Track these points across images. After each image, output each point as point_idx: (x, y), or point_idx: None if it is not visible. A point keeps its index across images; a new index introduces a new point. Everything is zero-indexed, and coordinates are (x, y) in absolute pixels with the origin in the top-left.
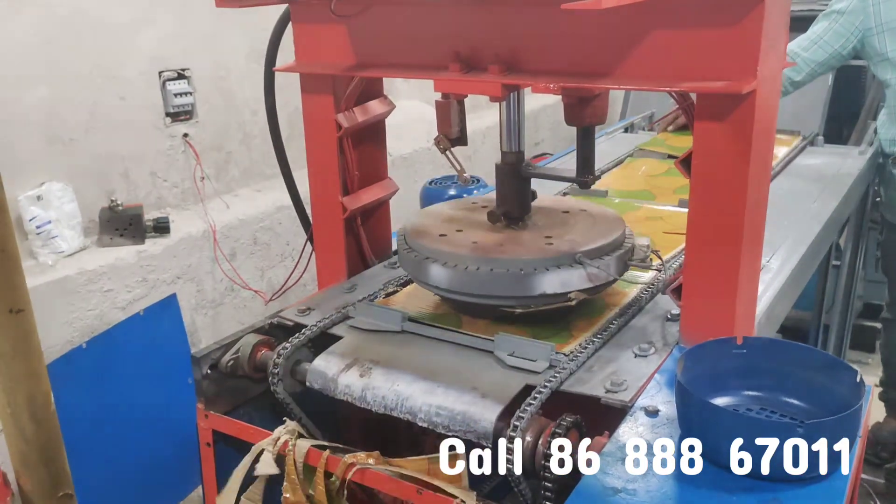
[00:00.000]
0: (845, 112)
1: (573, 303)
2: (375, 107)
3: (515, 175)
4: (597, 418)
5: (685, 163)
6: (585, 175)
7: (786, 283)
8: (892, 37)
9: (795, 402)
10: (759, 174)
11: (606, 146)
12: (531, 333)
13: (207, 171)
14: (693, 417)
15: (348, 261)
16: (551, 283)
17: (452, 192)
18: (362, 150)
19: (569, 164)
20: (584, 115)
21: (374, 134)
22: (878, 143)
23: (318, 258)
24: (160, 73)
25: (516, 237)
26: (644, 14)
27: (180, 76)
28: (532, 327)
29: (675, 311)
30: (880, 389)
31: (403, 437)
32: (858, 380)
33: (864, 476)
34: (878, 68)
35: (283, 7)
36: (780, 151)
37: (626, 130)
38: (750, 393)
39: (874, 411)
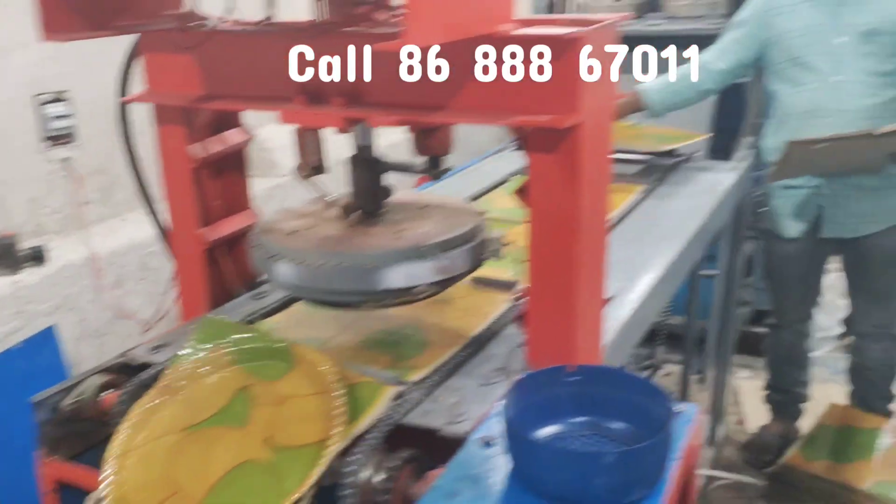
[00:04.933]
0: (736, 127)
1: (421, 297)
2: (233, 136)
3: (367, 169)
4: (443, 450)
5: (523, 192)
6: (434, 166)
7: (641, 304)
8: (781, 49)
9: (622, 425)
10: (594, 202)
11: (493, 166)
12: (391, 359)
13: (92, 196)
14: (514, 449)
15: (211, 293)
16: (397, 277)
17: None
18: (222, 181)
19: (468, 178)
20: (428, 146)
21: (234, 164)
22: (757, 154)
23: (181, 292)
24: (36, 96)
25: (367, 231)
26: (476, 48)
27: (58, 99)
28: (392, 352)
29: None
30: (766, 393)
31: None
32: (670, 406)
33: (750, 479)
34: (769, 79)
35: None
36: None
37: (519, 148)
38: (580, 419)
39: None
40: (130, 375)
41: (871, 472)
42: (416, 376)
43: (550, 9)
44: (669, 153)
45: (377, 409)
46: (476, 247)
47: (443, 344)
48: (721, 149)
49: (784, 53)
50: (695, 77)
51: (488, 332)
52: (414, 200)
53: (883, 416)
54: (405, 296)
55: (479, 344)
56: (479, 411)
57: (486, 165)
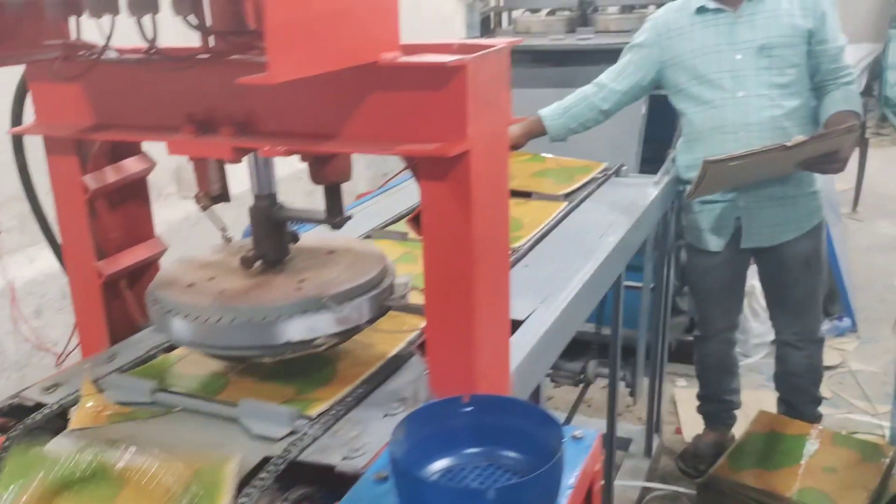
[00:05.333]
0: (668, 140)
1: (322, 348)
2: (131, 165)
3: (268, 218)
4: (342, 487)
5: (416, 221)
6: (335, 216)
7: (555, 325)
8: (683, 70)
9: (517, 455)
10: (489, 228)
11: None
12: (295, 391)
13: (10, 224)
14: (399, 486)
15: (112, 327)
16: (297, 329)
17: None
18: (121, 211)
19: (383, 202)
20: (324, 174)
21: (133, 193)
22: (676, 170)
23: (79, 327)
24: None
25: (268, 282)
26: (362, 78)
27: None
28: (297, 383)
29: None
30: (698, 403)
31: None
32: (561, 434)
33: (685, 490)
34: (675, 99)
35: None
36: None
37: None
38: (475, 450)
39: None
40: (23, 417)
41: (797, 478)
42: (317, 409)
43: (485, 25)
44: (568, 195)
45: (227, 487)
46: (380, 295)
47: (350, 373)
48: (652, 160)
49: (687, 73)
50: (594, 99)
51: (398, 358)
52: (321, 244)
53: (812, 422)
54: (306, 347)
55: (388, 371)
56: (379, 444)
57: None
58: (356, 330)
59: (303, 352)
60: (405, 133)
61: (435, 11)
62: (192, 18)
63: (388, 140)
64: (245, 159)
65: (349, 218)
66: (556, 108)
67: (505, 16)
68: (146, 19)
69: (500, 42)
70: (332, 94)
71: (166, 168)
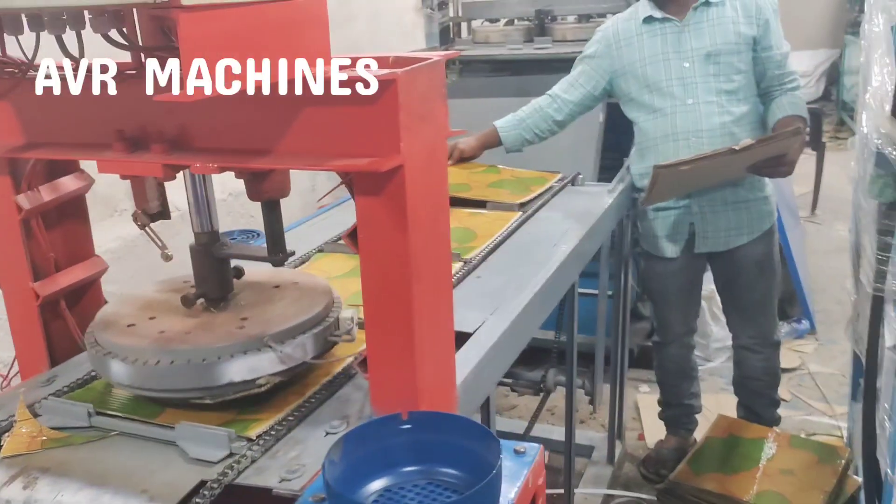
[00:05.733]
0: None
1: (266, 387)
2: (68, 183)
3: (209, 256)
4: None
5: (352, 237)
6: (277, 253)
7: (504, 337)
8: (634, 79)
9: (456, 473)
10: (428, 243)
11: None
12: (235, 414)
13: None
14: None
15: (51, 349)
16: (238, 370)
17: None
18: (59, 230)
19: (338, 215)
20: (261, 190)
21: (72, 211)
22: (630, 178)
23: (17, 350)
24: None
25: (210, 322)
26: (294, 93)
27: None
28: (237, 407)
29: None
30: (659, 409)
31: None
32: (498, 450)
33: (648, 496)
34: (626, 108)
35: None
36: (533, 189)
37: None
38: (414, 468)
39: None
40: None
41: (755, 482)
42: (257, 430)
43: (444, 35)
44: (523, 205)
45: None
46: (324, 331)
47: (293, 391)
48: (612, 168)
49: (637, 82)
50: (548, 109)
51: (343, 376)
52: (267, 278)
53: (771, 425)
54: (249, 387)
55: (333, 389)
56: (318, 465)
57: None
58: (301, 366)
59: (246, 391)
60: (339, 148)
61: (396, 22)
62: (116, 35)
63: (321, 155)
64: (189, 195)
65: (292, 254)
66: (510, 120)
67: (464, 26)
68: (71, 36)
69: (434, 55)
70: (265, 109)
71: (120, 183)
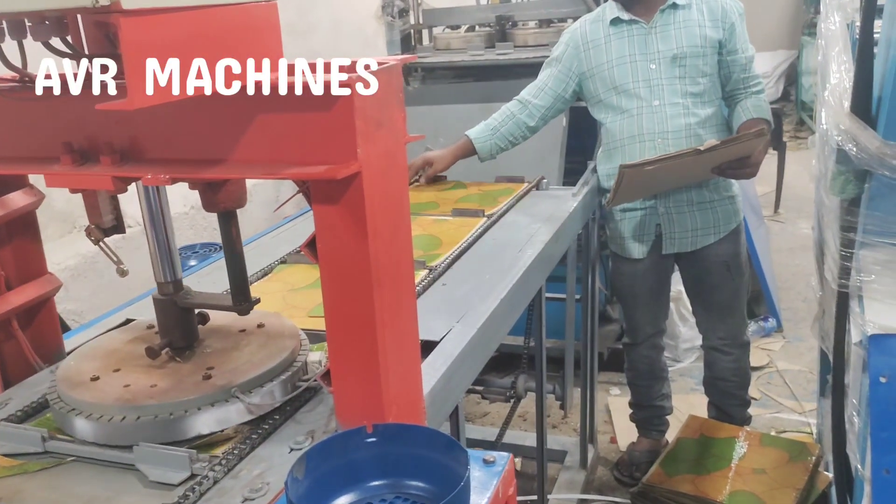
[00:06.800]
0: (590, 151)
1: (234, 437)
2: (17, 199)
3: (173, 305)
4: None
5: (311, 247)
6: (241, 302)
7: (471, 345)
8: (601, 80)
9: (423, 484)
10: (389, 251)
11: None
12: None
13: None
14: None
15: (4, 371)
16: (206, 422)
17: (193, 262)
18: (10, 248)
19: (302, 225)
20: (217, 201)
21: (22, 228)
22: (596, 179)
23: None
24: None
25: (176, 372)
26: (246, 100)
27: None
28: None
29: None
30: (630, 412)
31: None
32: (466, 461)
33: (622, 500)
34: (594, 109)
35: None
36: (500, 201)
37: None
38: (380, 482)
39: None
40: None
41: (728, 482)
42: (221, 448)
43: (406, 42)
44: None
45: None
46: (292, 377)
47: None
48: (576, 171)
49: (604, 84)
50: (520, 116)
51: (308, 390)
52: (231, 321)
53: (742, 424)
54: (216, 436)
55: (298, 404)
56: (282, 482)
57: None
58: (268, 415)
59: (212, 439)
60: (294, 156)
61: (357, 31)
62: (59, 43)
63: (277, 163)
64: (148, 238)
65: (257, 301)
66: (483, 129)
67: (426, 33)
68: (13, 45)
69: (390, 59)
70: (218, 117)
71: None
